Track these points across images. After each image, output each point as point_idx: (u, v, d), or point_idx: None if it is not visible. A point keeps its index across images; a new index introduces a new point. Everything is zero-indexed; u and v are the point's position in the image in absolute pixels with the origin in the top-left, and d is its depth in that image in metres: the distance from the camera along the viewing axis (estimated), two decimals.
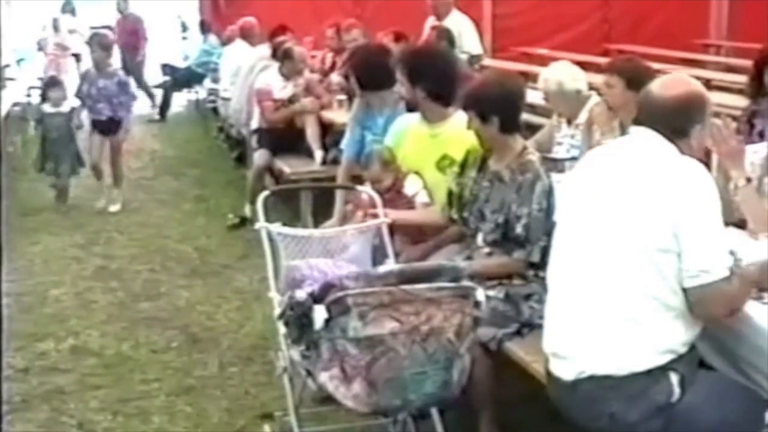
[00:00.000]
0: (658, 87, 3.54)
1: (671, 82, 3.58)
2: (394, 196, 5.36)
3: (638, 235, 3.28)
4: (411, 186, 5.38)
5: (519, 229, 4.46)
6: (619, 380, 3.32)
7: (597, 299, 3.38)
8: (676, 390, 3.31)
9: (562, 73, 6.30)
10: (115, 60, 12.22)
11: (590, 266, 3.42)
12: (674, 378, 3.31)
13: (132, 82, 10.67)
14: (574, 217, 3.60)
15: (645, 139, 3.46)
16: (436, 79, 5.37)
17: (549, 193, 4.45)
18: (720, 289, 3.24)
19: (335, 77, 9.55)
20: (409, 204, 5.36)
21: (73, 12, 19.56)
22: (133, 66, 15.93)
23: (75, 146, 9.87)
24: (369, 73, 6.25)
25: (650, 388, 3.31)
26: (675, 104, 3.46)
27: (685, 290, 3.27)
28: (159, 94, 16.01)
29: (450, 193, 4.94)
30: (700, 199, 3.29)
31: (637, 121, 3.55)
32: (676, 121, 3.45)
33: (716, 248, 3.27)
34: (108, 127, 9.73)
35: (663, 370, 3.31)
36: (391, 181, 5.41)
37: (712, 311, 3.34)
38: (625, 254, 3.31)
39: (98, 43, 9.86)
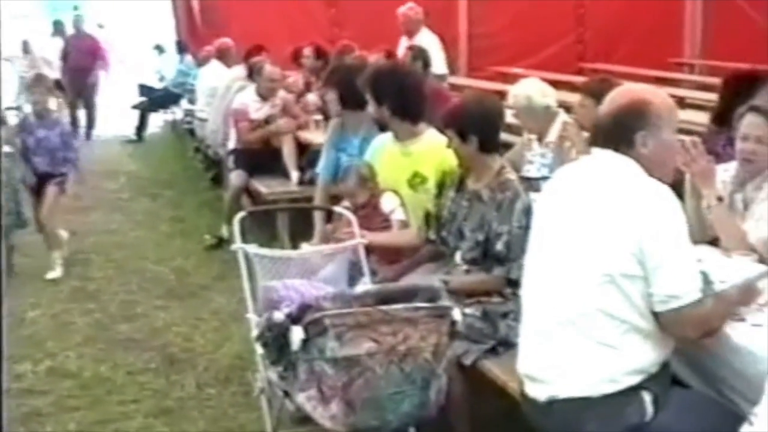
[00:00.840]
0: (604, 105, 3.54)
1: (613, 96, 3.55)
2: (370, 212, 5.40)
3: (603, 261, 3.29)
4: (388, 203, 5.42)
5: (499, 246, 4.50)
6: (593, 401, 3.33)
7: (566, 324, 3.38)
8: (649, 409, 3.32)
9: (532, 89, 6.34)
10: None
11: (558, 291, 3.43)
12: (647, 397, 3.32)
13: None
14: (542, 240, 3.61)
15: (603, 159, 3.47)
16: (400, 97, 5.43)
17: (528, 211, 4.49)
18: (691, 313, 3.24)
19: (312, 97, 9.56)
20: (385, 221, 5.40)
21: (63, 35, 18.15)
22: (84, 87, 15.90)
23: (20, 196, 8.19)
24: (351, 91, 6.27)
25: (624, 408, 3.32)
26: (613, 117, 3.46)
27: (656, 313, 3.28)
28: (135, 114, 15.97)
29: (427, 214, 4.97)
30: (663, 224, 3.28)
31: (592, 142, 3.58)
32: (617, 134, 3.43)
33: (684, 272, 3.26)
34: (43, 184, 8.26)
35: (636, 390, 3.32)
36: (365, 197, 5.44)
37: (686, 333, 3.35)
38: (592, 280, 3.31)
39: (43, 84, 8.54)
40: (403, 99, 5.44)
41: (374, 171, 5.52)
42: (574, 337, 3.36)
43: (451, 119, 4.78)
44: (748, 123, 4.45)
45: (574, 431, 3.40)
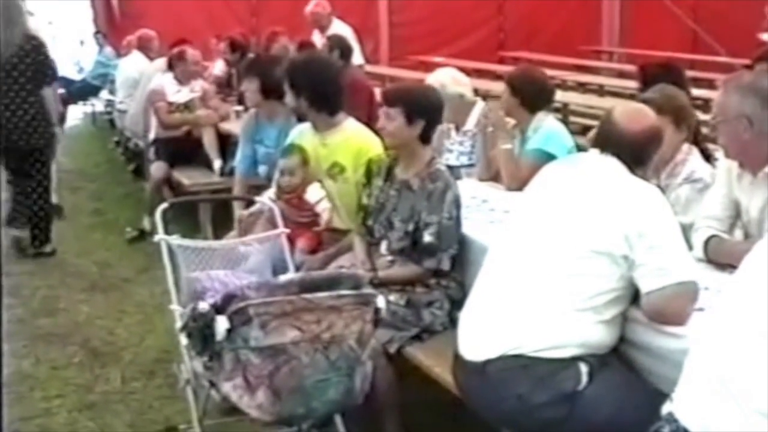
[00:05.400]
0: (623, 119, 3.71)
1: (635, 115, 3.77)
2: (296, 201, 5.40)
3: (593, 238, 3.43)
4: (313, 194, 5.42)
5: (428, 237, 4.50)
6: (529, 360, 3.42)
7: (537, 284, 3.51)
8: (584, 379, 3.41)
9: (445, 77, 6.36)
10: None
11: (539, 258, 3.55)
12: (584, 368, 3.42)
13: None
14: (528, 221, 3.75)
15: (603, 161, 3.65)
16: (317, 89, 5.41)
17: (458, 202, 4.53)
18: (678, 293, 3.38)
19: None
20: (311, 211, 5.40)
21: None
22: None
23: None
24: (273, 81, 6.27)
25: (559, 373, 3.41)
26: (641, 138, 3.68)
27: (642, 297, 3.40)
28: None
29: (361, 206, 4.93)
30: (663, 215, 3.48)
31: (599, 145, 3.72)
32: (640, 153, 3.68)
33: (680, 255, 3.44)
34: None
35: (573, 360, 3.42)
36: (301, 179, 5.41)
37: (669, 312, 3.39)
38: (576, 252, 3.45)
39: None
40: (319, 90, 5.42)
41: (308, 157, 5.50)
42: (541, 294, 3.48)
43: (403, 96, 4.71)
44: None
45: (508, 392, 3.47)
